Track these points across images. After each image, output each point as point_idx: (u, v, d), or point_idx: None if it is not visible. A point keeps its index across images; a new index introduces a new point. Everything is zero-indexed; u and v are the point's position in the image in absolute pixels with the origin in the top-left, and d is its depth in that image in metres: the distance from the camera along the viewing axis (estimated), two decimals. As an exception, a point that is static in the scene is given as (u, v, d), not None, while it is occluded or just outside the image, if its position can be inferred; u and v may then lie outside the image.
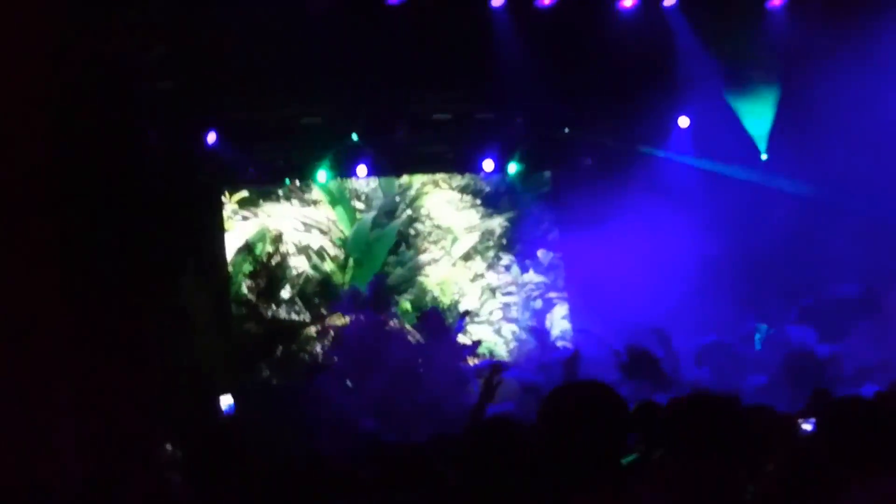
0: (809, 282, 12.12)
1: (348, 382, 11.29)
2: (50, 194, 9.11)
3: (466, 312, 13.82)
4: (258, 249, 13.52)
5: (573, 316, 14.67)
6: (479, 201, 15.14)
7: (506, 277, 15.20)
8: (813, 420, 4.55)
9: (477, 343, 13.24)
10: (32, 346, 8.75)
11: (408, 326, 13.27)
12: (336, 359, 11.77)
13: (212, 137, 11.61)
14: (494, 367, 4.29)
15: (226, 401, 10.25)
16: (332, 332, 13.16)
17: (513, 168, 14.06)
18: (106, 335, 9.65)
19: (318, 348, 13.03)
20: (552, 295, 15.08)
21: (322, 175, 13.16)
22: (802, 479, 3.45)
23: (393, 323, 12.84)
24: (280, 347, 12.93)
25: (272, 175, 12.95)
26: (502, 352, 14.52)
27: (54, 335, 9.05)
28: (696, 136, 13.11)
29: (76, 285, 9.32)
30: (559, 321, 14.91)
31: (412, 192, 15.00)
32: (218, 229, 12.68)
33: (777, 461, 3.95)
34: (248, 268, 13.09)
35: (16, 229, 8.79)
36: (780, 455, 4.09)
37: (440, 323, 12.27)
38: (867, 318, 11.69)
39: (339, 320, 13.03)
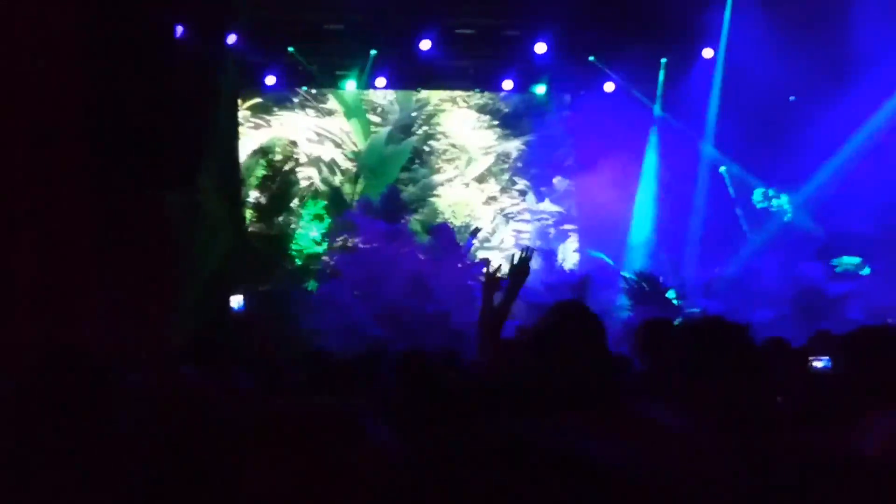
0: (826, 220, 12.37)
1: (359, 291, 11.60)
2: (75, 87, 9.34)
3: (477, 230, 14.07)
4: (271, 155, 13.73)
5: (582, 241, 14.94)
6: (496, 122, 15.32)
7: (520, 203, 15.40)
8: (824, 358, 4.71)
9: (486, 261, 13.53)
10: (60, 234, 9.05)
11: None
12: (347, 267, 12.07)
13: (232, 38, 11.75)
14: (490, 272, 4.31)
15: (236, 300, 10.61)
16: (340, 245, 13.42)
17: (541, 90, 14.19)
18: (121, 229, 9.95)
19: (327, 258, 13.30)
20: (567, 227, 15.29)
21: (351, 85, 13.32)
22: (814, 411, 3.47)
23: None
24: (290, 257, 13.22)
25: (291, 81, 13.10)
26: (511, 275, 14.80)
27: (80, 221, 9.35)
28: (720, 67, 13.23)
29: (95, 179, 9.60)
30: (571, 254, 15.16)
31: (429, 109, 15.19)
32: (234, 132, 12.89)
33: (787, 393, 4.13)
34: (260, 172, 13.33)
35: (45, 121, 9.03)
36: (791, 387, 4.29)
37: (451, 238, 12.54)
38: (881, 258, 11.98)
39: (349, 242, 13.28)
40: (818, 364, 4.85)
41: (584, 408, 2.45)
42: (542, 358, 2.65)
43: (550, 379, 2.58)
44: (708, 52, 13.43)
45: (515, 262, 4.20)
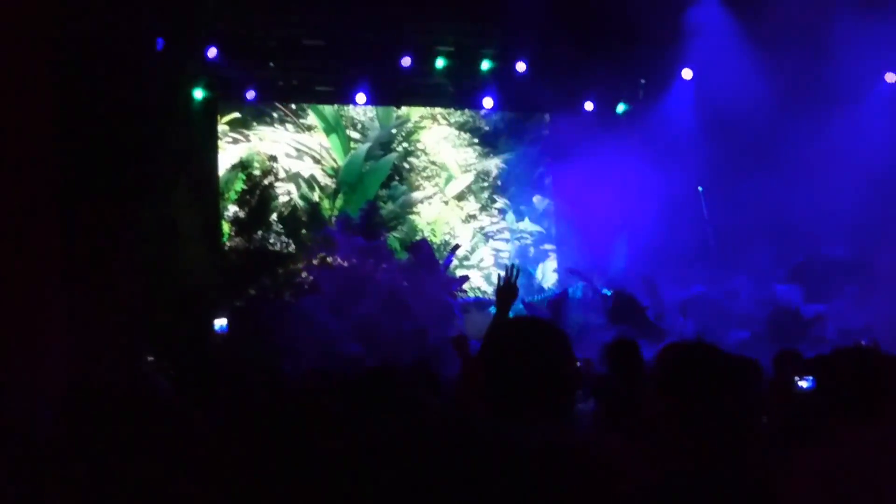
0: (801, 242, 12.54)
1: (336, 306, 11.64)
2: (48, 96, 9.34)
3: (456, 246, 14.15)
4: (250, 169, 13.77)
5: (561, 260, 15.03)
6: (476, 140, 15.41)
7: (500, 222, 15.46)
8: (809, 378, 4.79)
9: (465, 278, 13.61)
10: (20, 250, 9.00)
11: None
12: (325, 282, 12.12)
13: (212, 52, 11.82)
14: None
15: (219, 322, 10.61)
16: (318, 261, 13.45)
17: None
18: (96, 241, 9.95)
19: (305, 275, 13.34)
20: (547, 247, 15.38)
21: (330, 100, 13.32)
22: (797, 430, 3.65)
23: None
24: (267, 273, 13.26)
25: (271, 95, 13.17)
26: (489, 293, 14.87)
27: (44, 239, 9.31)
28: (698, 89, 13.41)
29: (70, 190, 9.59)
30: (550, 274, 15.23)
31: (409, 125, 15.27)
32: (212, 146, 12.94)
33: (771, 414, 4.21)
34: (239, 186, 13.36)
35: (11, 128, 9.02)
36: (775, 408, 4.37)
37: (430, 254, 12.61)
38: (855, 280, 12.14)
39: (328, 258, 13.32)
40: (803, 384, 4.95)
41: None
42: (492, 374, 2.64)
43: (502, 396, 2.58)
44: (687, 73, 13.60)
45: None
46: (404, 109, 14.98)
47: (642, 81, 13.98)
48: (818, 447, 3.26)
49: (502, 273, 4.20)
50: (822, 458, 3.13)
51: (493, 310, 12.48)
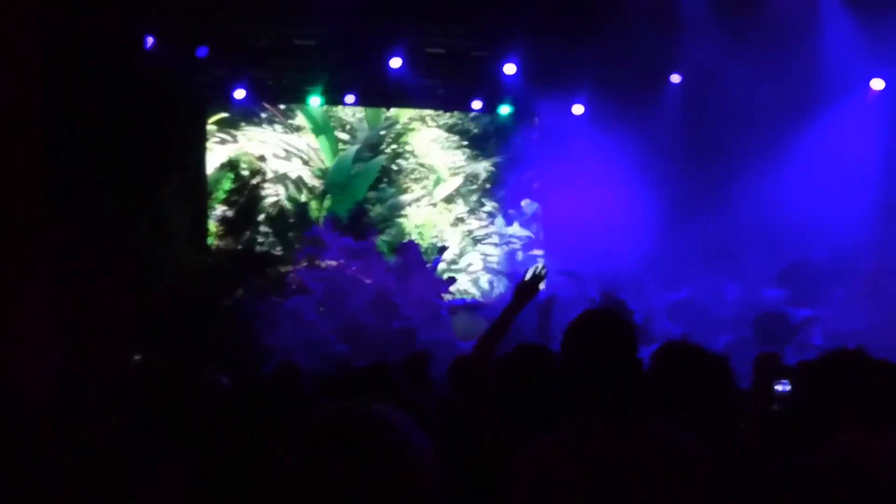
0: (789, 245, 12.59)
1: (323, 307, 11.65)
2: (38, 94, 9.33)
3: (444, 248, 14.17)
4: (239, 169, 13.77)
5: (549, 265, 15.00)
6: (465, 142, 15.43)
7: (488, 227, 15.45)
8: (785, 381, 4.81)
9: (452, 280, 13.61)
10: (10, 249, 8.98)
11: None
12: (313, 282, 12.12)
13: (202, 51, 11.81)
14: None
15: None
16: (306, 262, 13.46)
17: (505, 110, 14.27)
18: (85, 239, 9.93)
19: (293, 275, 13.34)
20: (536, 252, 15.36)
21: (315, 101, 13.30)
22: (778, 435, 3.61)
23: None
24: (255, 273, 13.25)
25: (260, 96, 13.16)
26: (478, 296, 14.88)
27: (32, 239, 9.29)
28: (686, 93, 13.46)
29: (59, 188, 9.58)
30: (539, 278, 15.15)
31: (398, 127, 15.28)
32: (201, 145, 12.93)
33: (750, 419, 4.25)
34: (227, 186, 13.35)
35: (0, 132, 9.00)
36: (755, 413, 4.41)
37: (418, 255, 12.63)
38: (843, 285, 12.19)
39: (316, 257, 13.33)
40: (779, 388, 4.95)
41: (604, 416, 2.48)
42: (568, 366, 2.63)
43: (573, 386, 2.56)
44: (675, 78, 13.65)
45: (528, 277, 4.19)
46: (393, 111, 15.00)
47: (631, 84, 14.00)
48: (805, 453, 3.25)
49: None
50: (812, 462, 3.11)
51: (481, 313, 12.53)
